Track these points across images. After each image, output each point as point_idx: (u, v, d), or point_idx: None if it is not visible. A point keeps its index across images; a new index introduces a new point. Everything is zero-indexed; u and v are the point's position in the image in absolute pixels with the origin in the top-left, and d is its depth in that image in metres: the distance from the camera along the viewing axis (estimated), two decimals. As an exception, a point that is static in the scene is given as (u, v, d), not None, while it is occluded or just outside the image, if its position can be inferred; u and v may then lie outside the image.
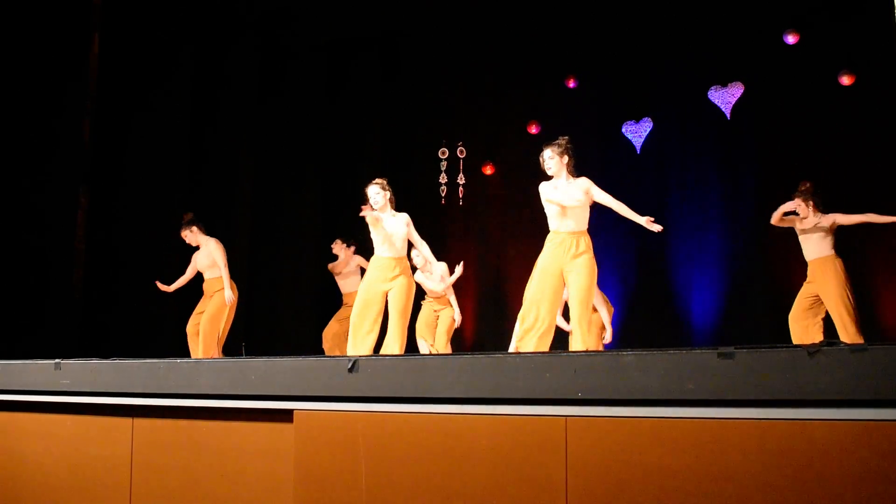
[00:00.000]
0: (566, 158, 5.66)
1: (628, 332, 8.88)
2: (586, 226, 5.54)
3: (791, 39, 8.60)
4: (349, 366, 3.63)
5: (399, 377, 3.53)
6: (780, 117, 8.67)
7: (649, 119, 9.43)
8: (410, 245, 6.31)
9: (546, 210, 5.54)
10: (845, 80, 8.32)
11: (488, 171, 10.12)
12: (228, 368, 4.09)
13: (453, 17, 9.70)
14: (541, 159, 5.68)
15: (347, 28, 9.88)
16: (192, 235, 7.64)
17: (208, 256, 7.60)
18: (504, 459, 3.24)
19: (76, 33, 8.24)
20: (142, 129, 8.85)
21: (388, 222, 6.09)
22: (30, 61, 7.90)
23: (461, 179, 10.03)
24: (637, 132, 9.49)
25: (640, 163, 9.43)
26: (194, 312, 7.68)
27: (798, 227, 7.03)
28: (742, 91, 8.92)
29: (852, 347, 2.67)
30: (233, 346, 8.16)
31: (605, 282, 8.28)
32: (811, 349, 2.72)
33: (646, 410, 2.99)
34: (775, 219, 7.08)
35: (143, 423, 4.38)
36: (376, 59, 10.56)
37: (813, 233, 6.99)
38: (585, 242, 5.48)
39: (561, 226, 5.51)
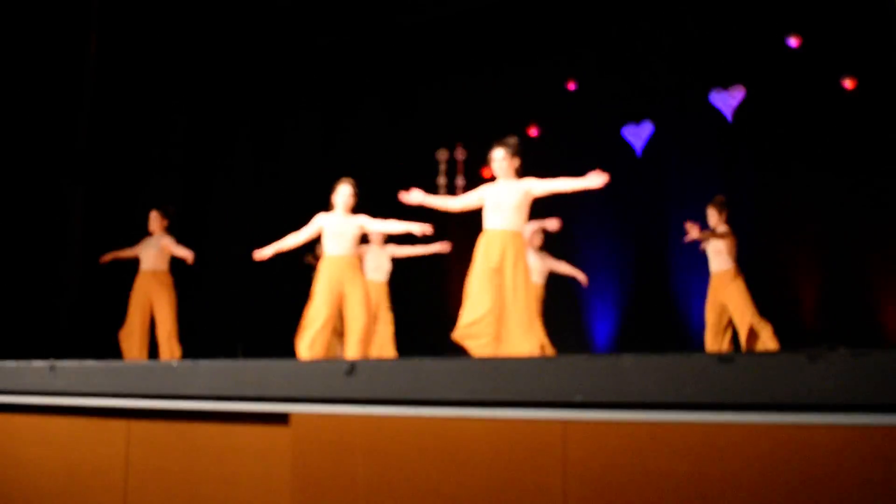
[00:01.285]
0: (517, 161, 5.70)
1: (628, 336, 8.86)
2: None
3: (793, 42, 8.59)
4: (346, 368, 3.61)
5: (397, 380, 3.51)
6: (782, 120, 8.66)
7: (650, 121, 9.41)
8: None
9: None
10: (847, 84, 8.31)
11: (487, 173, 10.09)
12: (225, 370, 4.06)
13: (453, 17, 9.70)
14: (490, 159, 5.69)
15: (347, 28, 9.88)
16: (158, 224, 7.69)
17: (157, 247, 7.63)
18: (502, 463, 3.22)
19: (74, 33, 8.24)
20: (138, 129, 8.85)
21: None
22: (27, 61, 7.91)
23: (460, 181, 10.02)
24: (638, 135, 9.48)
25: (641, 165, 9.41)
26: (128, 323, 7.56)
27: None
28: (744, 94, 8.90)
29: (854, 352, 2.65)
30: (229, 347, 8.14)
31: (606, 286, 8.25)
32: (812, 353, 2.70)
33: (645, 415, 2.97)
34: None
35: (138, 425, 4.36)
36: (375, 59, 10.55)
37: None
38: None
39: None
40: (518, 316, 5.40)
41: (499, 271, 5.43)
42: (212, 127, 9.67)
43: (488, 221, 5.64)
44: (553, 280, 8.21)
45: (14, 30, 7.76)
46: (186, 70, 9.36)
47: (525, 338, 5.36)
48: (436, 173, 9.99)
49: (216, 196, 9.60)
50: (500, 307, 5.44)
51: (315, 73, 10.36)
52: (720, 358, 2.83)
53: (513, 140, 5.74)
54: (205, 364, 4.38)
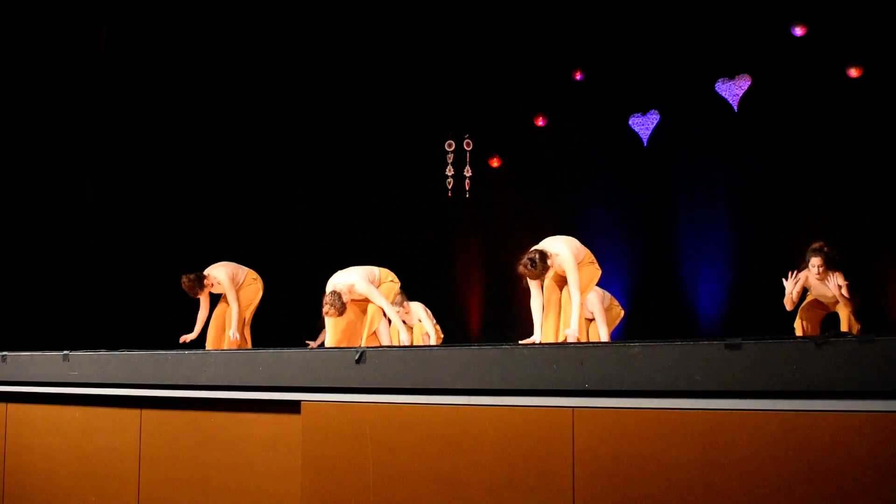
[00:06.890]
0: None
1: (636, 324, 8.86)
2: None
3: (799, 31, 8.56)
4: (356, 357, 3.64)
5: (406, 368, 3.54)
6: (788, 110, 8.63)
7: (656, 111, 9.39)
8: None
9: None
10: (853, 73, 8.28)
11: (495, 163, 10.10)
12: (236, 360, 4.10)
13: (460, 8, 9.69)
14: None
15: (355, 18, 9.87)
16: (204, 290, 6.80)
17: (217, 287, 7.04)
18: (511, 450, 3.25)
19: (84, 29, 8.27)
20: (148, 124, 8.88)
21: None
22: (37, 56, 7.94)
23: (468, 172, 10.00)
24: (644, 125, 9.45)
25: (647, 156, 9.39)
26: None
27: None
28: (749, 83, 8.87)
29: (860, 339, 2.67)
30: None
31: (613, 275, 8.26)
32: (818, 340, 2.72)
33: (652, 402, 2.99)
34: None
35: (151, 414, 4.40)
36: (383, 50, 10.54)
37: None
38: None
39: None
40: None
41: None
42: (221, 119, 9.68)
43: None
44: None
45: (25, 27, 7.80)
46: (195, 65, 9.38)
47: None
48: (443, 164, 9.98)
49: (225, 189, 9.62)
50: None
51: (319, 68, 10.35)
52: (727, 345, 2.85)
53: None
54: (216, 354, 4.42)
